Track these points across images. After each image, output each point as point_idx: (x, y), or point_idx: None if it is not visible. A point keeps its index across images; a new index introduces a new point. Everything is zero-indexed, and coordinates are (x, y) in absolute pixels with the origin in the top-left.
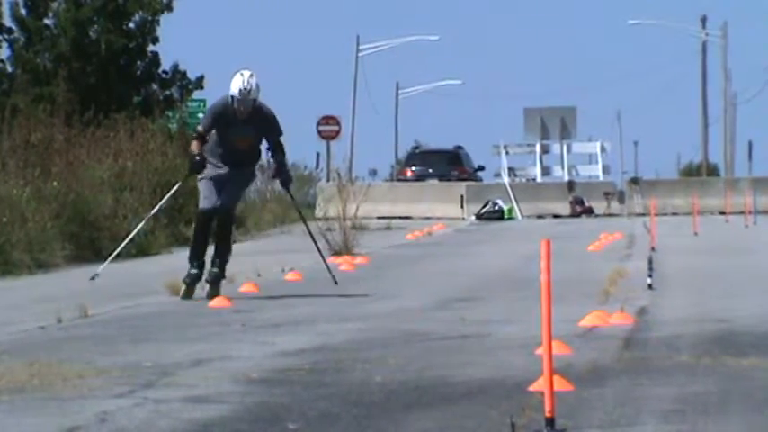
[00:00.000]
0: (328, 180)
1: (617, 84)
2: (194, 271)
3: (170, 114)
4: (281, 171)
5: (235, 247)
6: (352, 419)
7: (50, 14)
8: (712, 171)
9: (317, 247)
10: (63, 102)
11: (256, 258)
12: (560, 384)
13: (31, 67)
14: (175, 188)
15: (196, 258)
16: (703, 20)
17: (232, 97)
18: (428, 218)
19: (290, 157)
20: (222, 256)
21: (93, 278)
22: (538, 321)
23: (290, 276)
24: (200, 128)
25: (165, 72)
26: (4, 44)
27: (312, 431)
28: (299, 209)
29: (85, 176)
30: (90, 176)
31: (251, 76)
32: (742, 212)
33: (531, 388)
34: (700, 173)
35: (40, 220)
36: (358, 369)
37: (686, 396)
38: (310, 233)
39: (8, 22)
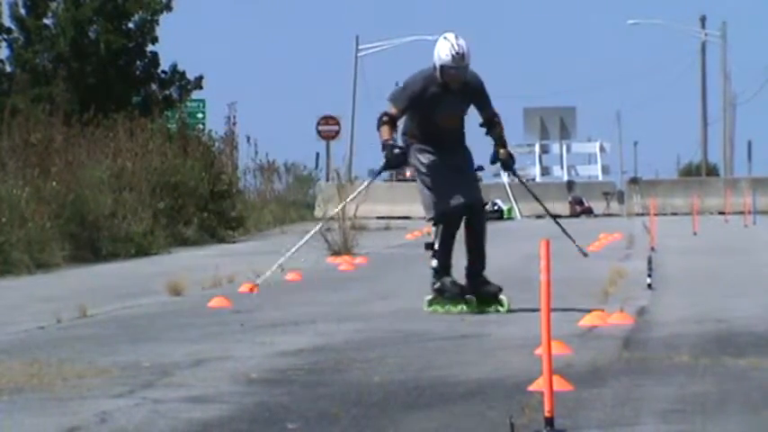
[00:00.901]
0: (328, 180)
1: (617, 84)
2: (450, 278)
3: (169, 114)
4: (505, 152)
5: (234, 247)
6: (352, 419)
7: (50, 14)
8: (712, 171)
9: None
10: (62, 102)
11: (256, 259)
12: (560, 384)
13: (30, 67)
14: (365, 185)
15: (448, 269)
16: (703, 20)
17: (441, 67)
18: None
19: (290, 157)
20: (481, 263)
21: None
22: (537, 321)
23: (289, 277)
24: (392, 109)
25: (164, 72)
26: (4, 44)
27: (311, 431)
28: (534, 194)
29: (85, 176)
30: (89, 176)
31: (457, 38)
32: (741, 212)
33: (531, 388)
34: (699, 173)
35: (40, 220)
36: (357, 369)
37: (686, 396)
38: (562, 229)
39: (7, 21)
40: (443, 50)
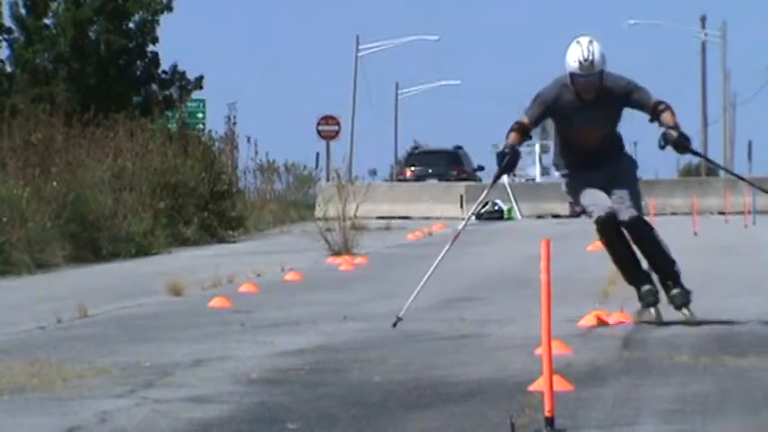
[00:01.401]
0: (328, 180)
1: None
2: (648, 286)
3: (169, 114)
4: (677, 134)
5: (235, 246)
6: (352, 419)
7: (50, 14)
8: (712, 171)
9: None
10: (62, 102)
11: (256, 258)
12: (560, 384)
13: (30, 67)
14: (486, 192)
15: (642, 278)
16: (703, 20)
17: (570, 75)
18: (427, 218)
19: (290, 157)
20: (667, 269)
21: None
22: (537, 321)
23: (289, 276)
24: (524, 118)
25: (164, 72)
26: (4, 44)
27: (311, 431)
28: (752, 184)
29: (85, 176)
30: (89, 176)
31: (590, 42)
32: (741, 212)
33: (531, 388)
34: (699, 173)
35: (40, 219)
36: (357, 369)
37: (686, 396)
38: None
39: (8, 21)
40: (572, 56)
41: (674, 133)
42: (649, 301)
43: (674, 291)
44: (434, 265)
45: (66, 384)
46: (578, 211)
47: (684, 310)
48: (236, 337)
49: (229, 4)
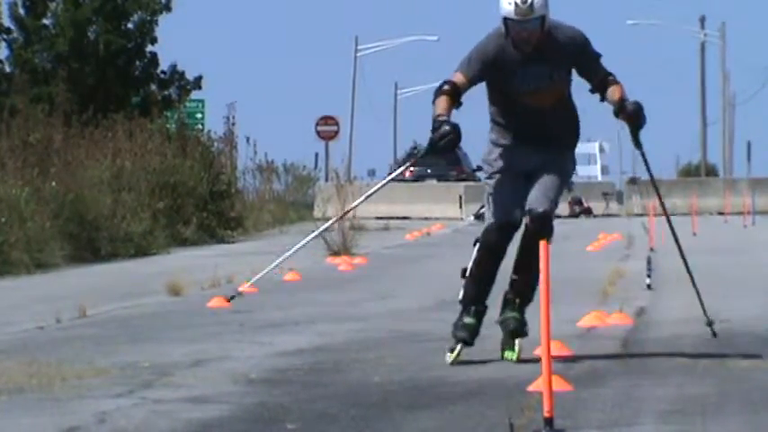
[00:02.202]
0: (327, 180)
1: None
2: (470, 320)
3: (168, 115)
4: (629, 109)
5: (234, 247)
6: (351, 420)
7: (49, 14)
8: (711, 171)
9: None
10: (61, 102)
11: (255, 259)
12: (559, 385)
13: (29, 68)
14: (402, 169)
15: (477, 301)
16: (702, 20)
17: (504, 21)
18: (427, 218)
19: (289, 158)
20: (527, 291)
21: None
22: (537, 321)
23: (288, 277)
24: (457, 75)
25: (163, 72)
26: (3, 44)
27: (310, 431)
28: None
29: (84, 176)
30: (88, 176)
31: None
32: (741, 213)
33: (530, 388)
34: (698, 173)
35: (39, 219)
36: (356, 369)
37: (685, 396)
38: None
39: (7, 21)
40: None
41: (628, 104)
42: (463, 336)
43: (512, 314)
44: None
45: (65, 384)
46: (577, 212)
47: (518, 342)
48: (235, 338)
49: (228, 4)
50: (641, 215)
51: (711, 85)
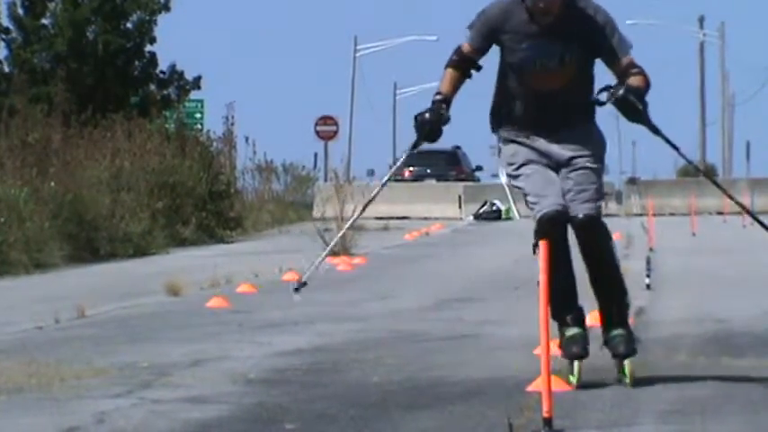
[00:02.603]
0: (326, 180)
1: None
2: (572, 331)
3: (167, 115)
4: (620, 94)
5: (233, 247)
6: (350, 420)
7: (48, 14)
8: (710, 171)
9: None
10: (60, 102)
11: (254, 259)
12: (558, 385)
13: (28, 67)
14: (400, 162)
15: (568, 308)
16: (701, 20)
17: None
18: (426, 218)
19: (288, 158)
20: (614, 292)
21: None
22: (536, 322)
23: (287, 277)
24: (465, 45)
25: (162, 72)
26: (2, 44)
27: (309, 431)
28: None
29: (83, 176)
30: (87, 176)
31: None
32: (740, 213)
33: (530, 388)
34: (697, 173)
35: (38, 220)
36: (355, 369)
37: (684, 396)
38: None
39: (5, 21)
40: None
41: (621, 91)
42: (575, 351)
43: (617, 331)
44: None
45: (64, 384)
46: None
47: (626, 365)
48: (234, 338)
49: (228, 4)
50: (640, 215)
51: (711, 86)
